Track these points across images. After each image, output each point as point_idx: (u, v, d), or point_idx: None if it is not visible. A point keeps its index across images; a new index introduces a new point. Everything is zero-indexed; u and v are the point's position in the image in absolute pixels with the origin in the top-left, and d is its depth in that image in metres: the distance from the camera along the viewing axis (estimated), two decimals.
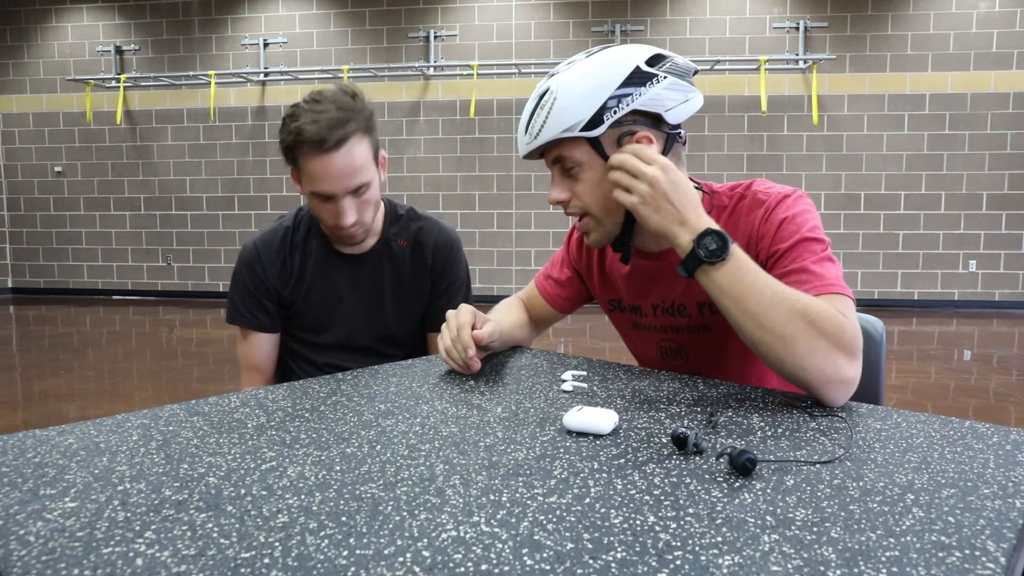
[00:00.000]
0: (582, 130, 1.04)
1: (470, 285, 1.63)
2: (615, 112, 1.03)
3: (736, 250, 0.97)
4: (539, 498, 0.66)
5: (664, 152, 1.07)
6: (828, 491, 0.67)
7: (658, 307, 1.21)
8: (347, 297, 1.52)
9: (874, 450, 0.78)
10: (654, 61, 1.06)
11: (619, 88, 1.03)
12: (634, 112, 1.05)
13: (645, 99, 1.04)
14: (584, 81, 1.04)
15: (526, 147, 1.10)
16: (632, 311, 1.27)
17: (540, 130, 1.07)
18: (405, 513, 0.63)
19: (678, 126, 1.10)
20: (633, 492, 0.67)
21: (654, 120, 1.06)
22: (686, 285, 1.15)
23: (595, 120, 1.04)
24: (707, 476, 0.71)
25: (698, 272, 0.98)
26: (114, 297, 8.56)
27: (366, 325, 1.54)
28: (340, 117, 1.30)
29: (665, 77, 1.05)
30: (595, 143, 1.06)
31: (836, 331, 0.92)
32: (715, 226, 0.98)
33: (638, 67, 1.04)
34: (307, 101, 1.35)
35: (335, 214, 1.36)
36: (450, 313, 1.19)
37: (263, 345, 1.53)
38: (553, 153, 1.10)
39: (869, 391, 1.29)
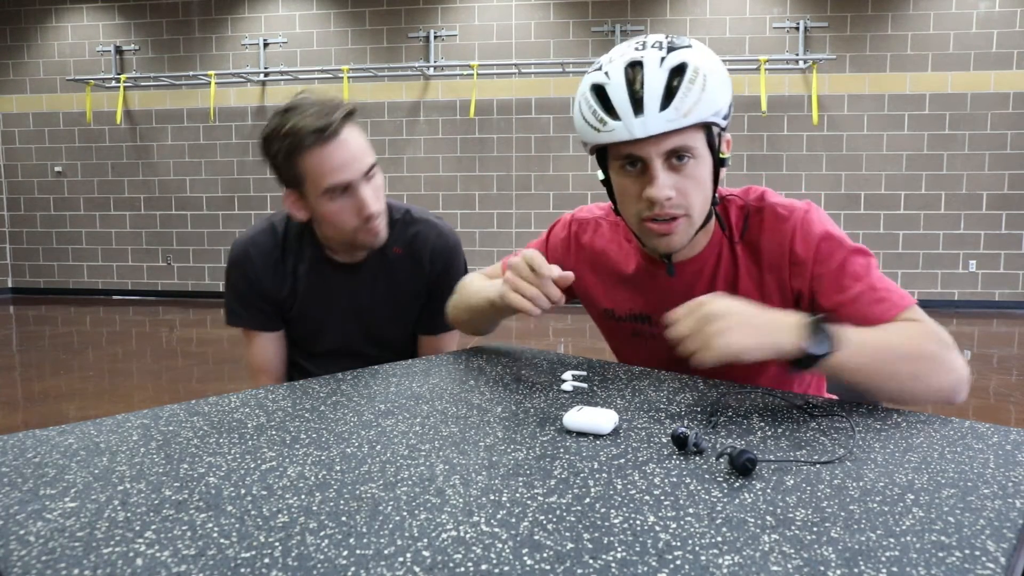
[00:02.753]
0: (723, 118, 0.97)
1: None
2: (731, 108, 1.00)
3: (837, 328, 0.91)
4: (539, 498, 0.66)
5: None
6: (828, 491, 0.67)
7: None
8: (341, 306, 1.48)
9: (874, 450, 0.78)
10: None
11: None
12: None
13: None
14: (721, 67, 0.97)
15: (665, 124, 0.94)
16: (638, 320, 1.20)
17: (693, 107, 0.94)
18: (405, 513, 0.63)
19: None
20: (633, 492, 0.67)
21: None
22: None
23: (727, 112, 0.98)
24: (707, 476, 0.71)
25: (816, 367, 0.91)
26: (114, 297, 8.56)
27: (360, 333, 1.51)
28: (327, 105, 1.26)
29: None
30: (712, 137, 0.98)
31: (939, 349, 0.94)
32: (804, 316, 0.91)
33: None
34: (284, 111, 1.28)
35: (358, 207, 1.29)
36: (515, 260, 1.06)
37: (268, 345, 1.50)
38: (675, 140, 0.96)
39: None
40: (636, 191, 1.00)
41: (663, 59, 0.95)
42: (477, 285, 1.29)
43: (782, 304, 1.05)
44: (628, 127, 0.95)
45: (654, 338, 1.17)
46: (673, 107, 0.94)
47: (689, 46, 0.98)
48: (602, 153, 1.05)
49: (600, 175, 1.09)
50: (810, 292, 1.04)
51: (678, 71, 0.95)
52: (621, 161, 1.01)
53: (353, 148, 1.28)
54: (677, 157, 0.98)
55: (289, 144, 1.26)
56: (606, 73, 0.99)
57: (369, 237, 1.36)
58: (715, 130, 1.00)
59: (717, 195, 1.07)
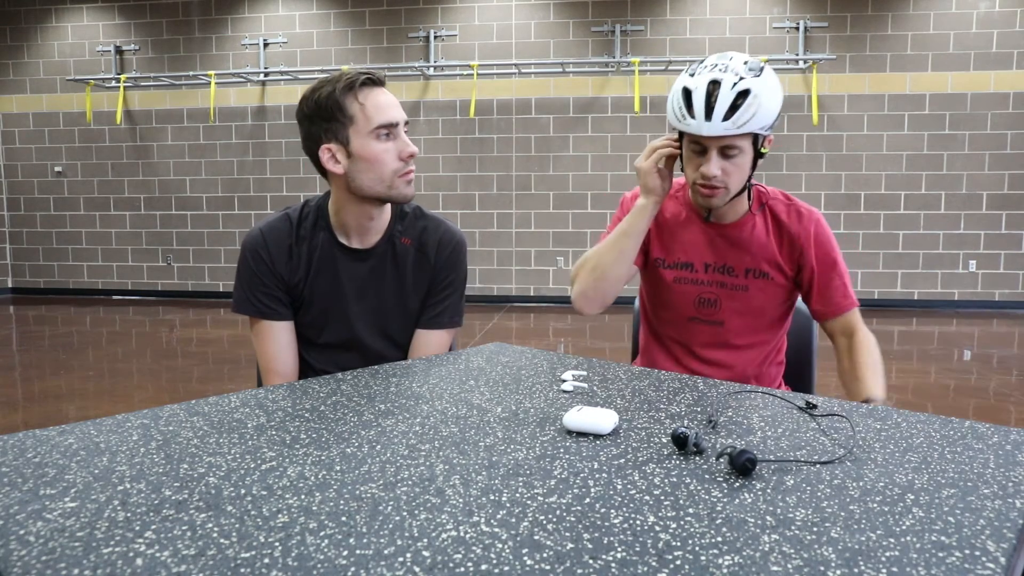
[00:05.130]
0: (768, 129, 1.36)
1: (465, 288, 1.62)
2: (779, 118, 1.38)
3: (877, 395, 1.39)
4: (539, 498, 0.66)
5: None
6: (828, 491, 0.67)
7: (711, 266, 1.52)
8: (349, 292, 1.51)
9: (874, 450, 0.78)
10: None
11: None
12: None
13: None
14: (777, 92, 1.37)
15: (723, 130, 1.33)
16: (682, 267, 1.54)
17: (746, 123, 1.33)
18: (405, 513, 0.63)
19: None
20: (633, 492, 0.67)
21: None
22: (739, 252, 1.50)
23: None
24: (707, 476, 0.71)
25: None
26: (114, 297, 8.56)
27: (367, 322, 1.53)
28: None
29: None
30: (757, 139, 1.38)
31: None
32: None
33: None
34: (325, 79, 1.43)
35: (400, 148, 1.41)
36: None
37: (279, 337, 1.49)
38: (727, 140, 1.35)
39: (803, 372, 1.67)
40: (696, 164, 1.41)
41: (734, 84, 1.33)
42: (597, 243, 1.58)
43: (788, 264, 1.50)
44: (699, 126, 1.35)
45: (693, 283, 1.54)
46: (732, 120, 1.33)
47: (759, 74, 1.35)
48: (680, 134, 1.45)
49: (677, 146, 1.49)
50: (809, 264, 1.48)
51: (743, 94, 1.33)
52: (691, 144, 1.41)
53: (396, 100, 1.45)
54: (727, 150, 1.37)
55: (346, 84, 1.38)
56: (696, 82, 1.36)
57: (403, 184, 1.43)
58: (760, 136, 1.38)
59: (751, 182, 1.47)
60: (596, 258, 1.52)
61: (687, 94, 1.37)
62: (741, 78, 1.33)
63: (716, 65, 1.37)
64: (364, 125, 1.38)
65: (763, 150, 1.42)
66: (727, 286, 1.51)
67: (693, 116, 1.35)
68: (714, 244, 1.52)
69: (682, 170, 1.50)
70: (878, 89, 7.23)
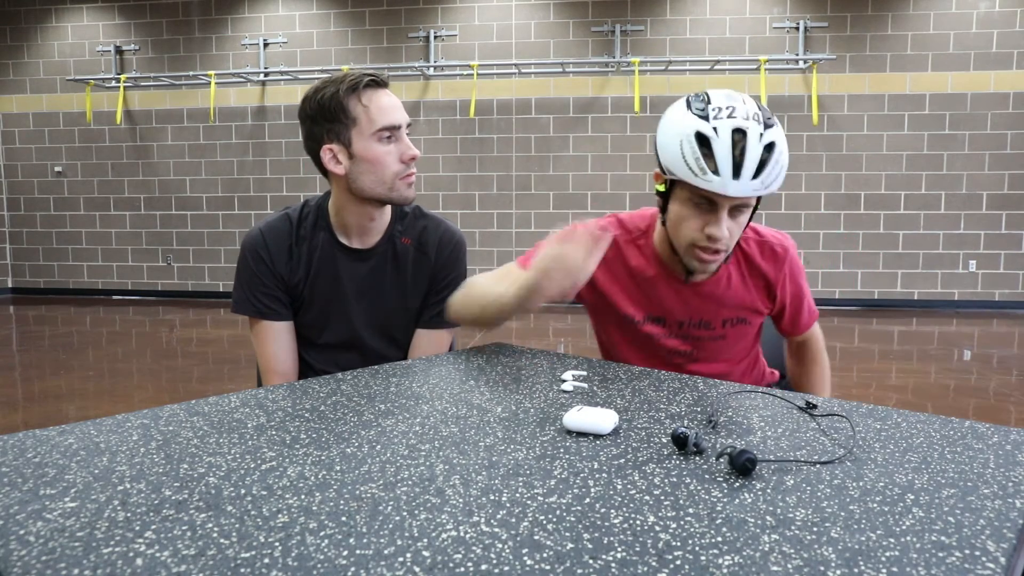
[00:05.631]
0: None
1: None
2: None
3: None
4: (539, 498, 0.66)
5: None
6: (828, 491, 0.67)
7: (686, 323, 1.38)
8: (349, 292, 1.51)
9: (874, 450, 0.78)
10: None
11: None
12: None
13: None
14: (786, 144, 1.20)
15: (751, 191, 1.15)
16: (654, 322, 1.39)
17: (774, 181, 1.17)
18: (405, 513, 0.63)
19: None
20: (633, 492, 0.67)
21: None
22: (716, 306, 1.36)
23: None
24: (707, 476, 0.71)
25: None
26: (114, 297, 8.56)
27: (367, 322, 1.53)
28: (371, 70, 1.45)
29: None
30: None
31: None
32: None
33: None
34: (327, 80, 1.42)
35: (401, 150, 1.40)
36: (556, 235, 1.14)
37: (278, 337, 1.49)
38: (745, 199, 1.18)
39: (774, 363, 1.63)
40: (698, 224, 1.21)
41: (761, 135, 1.15)
42: (493, 279, 1.34)
43: (761, 299, 1.39)
44: (724, 185, 1.14)
45: (666, 338, 1.40)
46: (760, 180, 1.15)
47: (775, 124, 1.18)
48: (673, 180, 1.22)
49: (660, 188, 1.27)
50: (783, 301, 1.40)
51: (769, 148, 1.15)
52: (694, 197, 1.20)
53: (400, 102, 1.44)
54: (740, 208, 1.20)
55: (349, 85, 1.37)
56: (714, 128, 1.15)
57: (404, 186, 1.43)
58: None
59: None
60: (480, 308, 1.29)
61: (704, 142, 1.14)
62: (767, 127, 1.16)
63: (733, 108, 1.16)
64: (367, 127, 1.38)
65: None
66: (703, 339, 1.40)
67: (716, 172, 1.13)
68: (689, 303, 1.37)
69: (663, 223, 1.29)
70: (878, 89, 7.23)
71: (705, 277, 1.34)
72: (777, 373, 1.62)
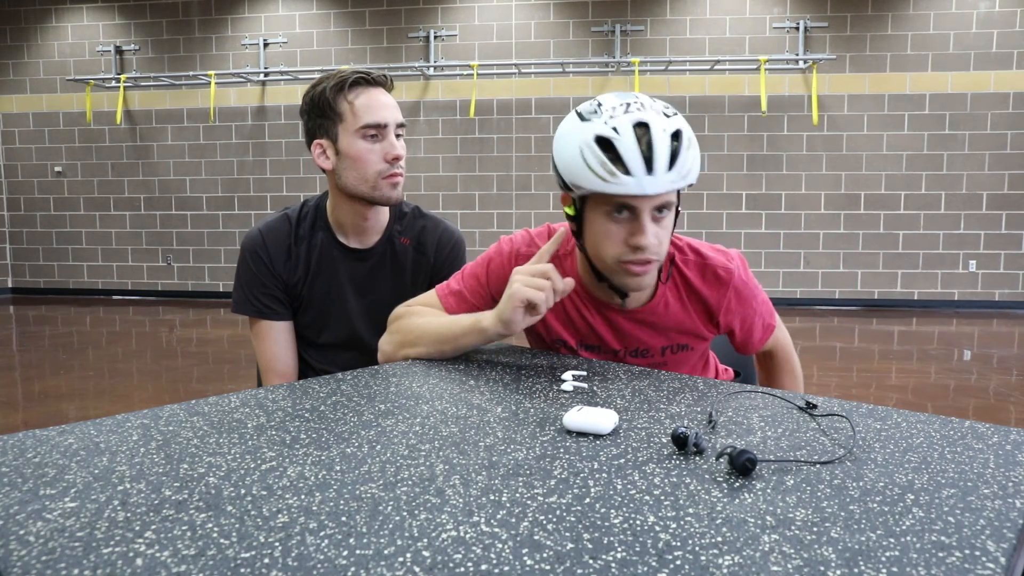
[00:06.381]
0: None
1: None
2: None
3: None
4: (539, 498, 0.66)
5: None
6: (828, 491, 0.67)
7: (622, 351, 1.29)
8: (349, 292, 1.51)
9: (874, 450, 0.78)
10: None
11: None
12: None
13: None
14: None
15: (669, 184, 1.05)
16: (589, 349, 1.30)
17: (689, 171, 1.06)
18: (405, 513, 0.63)
19: None
20: (633, 492, 0.67)
21: None
22: (653, 334, 1.26)
23: None
24: (707, 476, 0.71)
25: None
26: (114, 297, 8.56)
27: (367, 322, 1.53)
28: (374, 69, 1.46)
29: None
30: (680, 192, 1.11)
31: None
32: None
33: None
34: (324, 76, 1.43)
35: (385, 149, 1.39)
36: (525, 268, 1.13)
37: (278, 337, 1.49)
38: (665, 197, 1.07)
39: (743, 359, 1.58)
40: (621, 236, 1.09)
41: (664, 125, 1.05)
42: (432, 317, 1.28)
43: (703, 324, 1.27)
44: (640, 184, 1.03)
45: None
46: (676, 171, 1.05)
47: (676, 114, 1.09)
48: (582, 197, 1.12)
49: (570, 212, 1.15)
50: (729, 326, 1.28)
51: (676, 136, 1.06)
52: (609, 208, 1.08)
53: (391, 101, 1.44)
54: (659, 210, 1.09)
55: (339, 81, 1.39)
56: (614, 128, 1.05)
57: (387, 186, 1.42)
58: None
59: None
60: (425, 345, 1.23)
61: (606, 145, 1.04)
62: (666, 116, 1.06)
63: (627, 105, 1.07)
64: (351, 123, 1.39)
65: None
66: (642, 364, 1.28)
67: (628, 172, 1.03)
68: (622, 331, 1.26)
69: (581, 249, 1.18)
70: (878, 89, 7.23)
71: (641, 303, 1.23)
72: (731, 371, 1.52)
